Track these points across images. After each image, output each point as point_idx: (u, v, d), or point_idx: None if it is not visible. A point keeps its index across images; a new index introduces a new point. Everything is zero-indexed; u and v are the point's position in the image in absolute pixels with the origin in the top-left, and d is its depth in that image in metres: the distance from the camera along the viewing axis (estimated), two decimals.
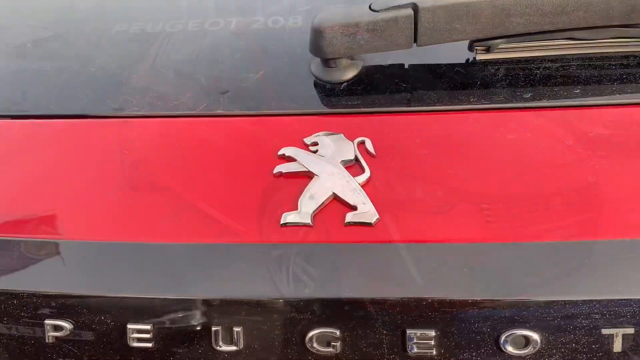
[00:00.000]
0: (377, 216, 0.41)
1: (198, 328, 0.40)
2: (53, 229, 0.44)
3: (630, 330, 0.38)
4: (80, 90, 0.53)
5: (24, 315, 0.42)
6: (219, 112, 0.50)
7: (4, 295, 0.42)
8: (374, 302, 0.39)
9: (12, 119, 0.53)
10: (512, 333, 0.38)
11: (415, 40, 0.47)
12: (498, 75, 0.49)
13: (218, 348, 0.40)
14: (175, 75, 0.53)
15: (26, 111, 0.52)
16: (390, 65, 0.51)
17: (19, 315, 0.42)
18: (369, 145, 0.45)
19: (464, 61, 0.50)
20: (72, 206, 0.45)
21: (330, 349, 0.39)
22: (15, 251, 0.43)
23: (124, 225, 0.43)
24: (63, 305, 0.41)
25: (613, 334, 0.38)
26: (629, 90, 0.48)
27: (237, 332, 0.40)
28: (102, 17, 0.60)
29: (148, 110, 0.50)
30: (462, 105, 0.48)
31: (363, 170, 0.44)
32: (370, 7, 0.47)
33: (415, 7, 0.46)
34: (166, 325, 0.41)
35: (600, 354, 0.38)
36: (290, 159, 0.45)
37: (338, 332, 0.39)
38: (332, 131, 0.46)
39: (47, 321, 0.42)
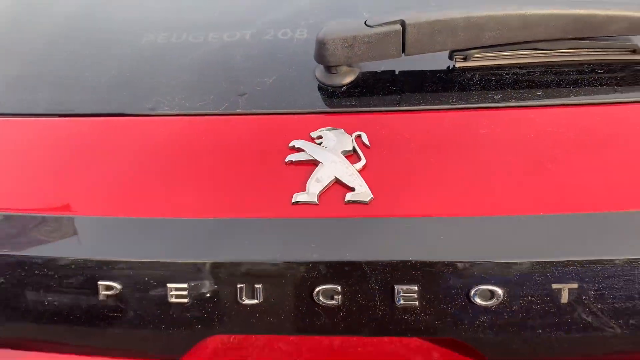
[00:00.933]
0: (371, 196, 0.50)
1: (226, 286, 0.49)
2: (107, 208, 0.53)
3: (574, 285, 0.47)
4: (118, 92, 0.62)
5: (84, 279, 0.51)
6: (238, 111, 0.59)
7: (71, 263, 0.51)
8: (368, 263, 0.48)
9: (60, 117, 0.62)
10: (480, 288, 0.47)
11: (403, 51, 0.56)
12: (473, 80, 0.58)
13: (242, 302, 0.49)
14: (200, 79, 0.62)
15: (72, 110, 0.61)
16: (382, 71, 0.60)
17: (78, 278, 0.51)
18: (364, 138, 0.54)
19: (445, 68, 0.59)
20: (125, 190, 0.54)
21: (333, 302, 0.48)
22: (80, 227, 0.52)
23: (167, 205, 0.52)
24: (114, 270, 0.50)
25: (560, 288, 0.47)
26: (582, 93, 0.57)
27: (257, 288, 0.49)
28: (135, 29, 0.69)
29: (178, 110, 0.59)
30: (443, 105, 0.57)
31: (360, 159, 0.53)
32: (365, 23, 0.56)
33: (403, 23, 0.55)
34: (200, 284, 0.50)
35: (550, 305, 0.47)
36: (299, 150, 0.54)
37: (339, 288, 0.48)
38: (334, 127, 0.55)
39: (100, 282, 0.51)
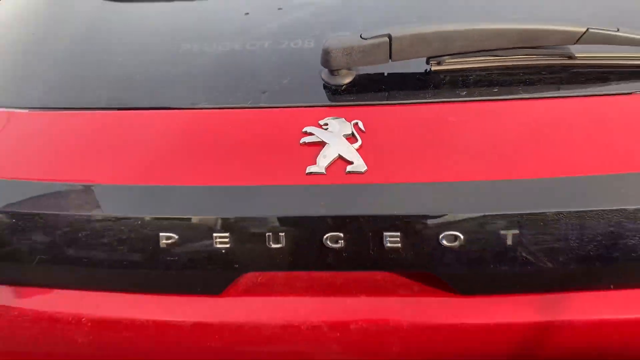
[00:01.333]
0: (366, 167, 0.67)
1: (258, 234, 0.66)
2: (171, 179, 0.69)
3: (516, 232, 0.64)
4: (166, 90, 0.78)
5: (151, 231, 0.67)
6: (261, 105, 0.75)
7: (142, 219, 0.67)
8: (363, 216, 0.65)
9: (118, 110, 0.78)
10: (446, 233, 0.64)
11: (390, 57, 0.72)
12: (445, 80, 0.75)
13: (269, 246, 0.65)
14: (229, 80, 0.79)
15: (131, 104, 0.78)
16: (374, 73, 0.76)
17: (146, 231, 0.67)
18: (360, 125, 0.70)
19: (422, 71, 0.75)
20: (182, 165, 0.70)
21: (338, 245, 0.65)
22: (152, 193, 0.69)
23: (213, 175, 0.69)
24: (174, 224, 0.67)
25: (507, 234, 0.64)
26: (529, 90, 0.73)
27: (281, 236, 0.65)
28: (175, 40, 0.85)
29: (214, 104, 0.76)
30: (421, 99, 0.73)
31: (357, 140, 0.69)
32: (361, 36, 0.72)
33: (389, 36, 0.71)
34: (238, 234, 0.66)
35: (498, 247, 0.64)
36: (310, 134, 0.70)
37: (342, 235, 0.65)
38: (337, 116, 0.71)
39: (161, 234, 0.67)
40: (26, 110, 0.81)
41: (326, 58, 0.73)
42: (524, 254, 0.64)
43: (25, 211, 0.70)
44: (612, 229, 0.64)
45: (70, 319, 0.72)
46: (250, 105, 0.75)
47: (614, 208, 0.63)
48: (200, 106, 0.76)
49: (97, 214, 0.69)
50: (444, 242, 0.64)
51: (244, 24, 0.88)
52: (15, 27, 0.99)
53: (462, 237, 0.64)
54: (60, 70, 0.86)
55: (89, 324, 0.72)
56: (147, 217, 0.67)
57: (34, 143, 0.76)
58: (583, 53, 0.74)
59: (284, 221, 0.66)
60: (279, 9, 0.91)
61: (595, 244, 0.64)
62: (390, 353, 0.67)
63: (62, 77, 0.84)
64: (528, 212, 0.64)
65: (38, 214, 0.70)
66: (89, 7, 0.98)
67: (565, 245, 0.64)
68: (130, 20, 0.93)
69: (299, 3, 0.90)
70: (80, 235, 0.69)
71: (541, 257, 0.65)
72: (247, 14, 0.90)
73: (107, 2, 0.98)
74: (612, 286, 0.66)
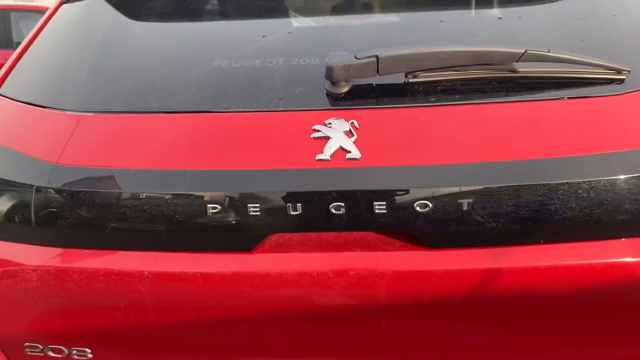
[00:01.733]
0: (360, 155, 0.90)
1: (280, 204, 0.89)
2: (216, 164, 0.92)
3: (479, 187, 0.87)
4: (205, 98, 1.01)
5: (201, 202, 0.90)
6: (280, 109, 0.98)
7: (195, 194, 0.90)
8: (359, 190, 0.88)
9: (164, 114, 1.00)
10: (419, 202, 0.87)
11: (377, 72, 0.95)
12: (419, 89, 0.98)
13: (289, 213, 0.88)
14: (253, 90, 1.02)
15: (179, 109, 1.00)
16: (366, 84, 0.99)
17: (198, 202, 0.90)
18: (356, 124, 0.93)
19: (402, 82, 0.99)
20: (223, 155, 0.93)
21: (340, 212, 0.88)
22: (200, 176, 0.91)
23: (244, 161, 0.92)
24: (220, 198, 0.90)
25: (463, 203, 0.87)
26: (485, 96, 0.97)
27: (298, 205, 0.88)
28: (209, 57, 1.08)
29: (242, 109, 0.98)
30: (401, 104, 0.96)
31: (353, 135, 0.92)
32: (355, 56, 0.96)
33: (377, 57, 0.94)
34: (267, 204, 0.89)
35: (457, 210, 0.87)
36: (318, 131, 0.93)
37: (343, 204, 0.88)
38: (338, 117, 0.94)
39: (209, 205, 0.90)
40: (91, 114, 1.03)
41: (329, 72, 0.96)
42: (475, 218, 0.88)
43: (108, 191, 0.93)
44: (539, 198, 0.87)
45: (137, 273, 0.95)
46: (271, 109, 0.98)
47: (539, 183, 0.87)
48: (233, 110, 0.99)
49: (162, 192, 0.92)
50: (418, 209, 0.88)
51: (263, 44, 1.11)
52: (72, 45, 1.22)
53: (430, 205, 0.87)
54: (116, 81, 1.09)
55: (151, 276, 0.94)
56: (200, 193, 0.91)
57: (111, 139, 0.99)
58: (525, 68, 0.98)
59: (300, 195, 0.89)
60: (289, 32, 1.14)
61: (526, 210, 0.88)
62: (378, 292, 0.90)
63: (120, 87, 1.07)
64: (478, 187, 0.87)
65: (118, 193, 0.93)
66: (131, 28, 1.21)
67: (504, 211, 0.88)
68: (170, 41, 1.16)
69: (304, 29, 1.14)
70: (147, 208, 0.93)
71: (488, 220, 0.89)
72: (264, 36, 1.13)
73: (150, 23, 1.21)
74: (542, 241, 0.90)
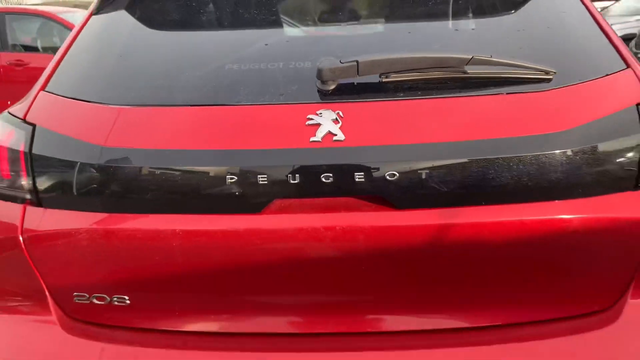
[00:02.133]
0: (344, 137, 1.16)
1: (283, 175, 1.14)
2: (231, 145, 1.18)
3: (435, 161, 1.14)
4: (219, 93, 1.27)
5: (221, 174, 1.16)
6: (281, 102, 1.24)
7: (214, 168, 1.16)
8: (344, 165, 1.14)
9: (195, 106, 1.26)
10: (389, 171, 1.14)
11: (357, 74, 1.22)
12: (390, 87, 1.24)
13: (290, 182, 1.14)
14: (259, 88, 1.28)
15: (195, 102, 1.26)
16: (348, 83, 1.25)
17: (216, 175, 1.16)
18: (341, 113, 1.20)
19: (377, 82, 1.25)
20: (236, 138, 1.19)
21: (328, 181, 1.13)
22: (222, 155, 1.17)
23: (254, 143, 1.18)
24: (237, 170, 1.16)
25: (422, 173, 1.14)
26: (438, 92, 1.24)
27: (297, 175, 1.14)
28: (222, 61, 1.34)
29: (251, 103, 1.25)
30: (375, 98, 1.23)
31: (339, 122, 1.18)
32: (340, 61, 1.22)
33: (357, 62, 1.21)
34: (273, 174, 1.15)
35: (417, 178, 1.14)
36: (311, 119, 1.19)
37: (331, 174, 1.13)
38: (327, 108, 1.20)
39: (227, 175, 1.16)
40: (128, 106, 1.29)
41: (319, 73, 1.22)
42: (432, 185, 1.15)
43: (145, 167, 1.19)
44: (481, 170, 1.15)
45: (169, 232, 1.20)
46: (275, 103, 1.24)
47: (481, 158, 1.14)
48: (243, 103, 1.25)
49: (188, 167, 1.18)
50: (387, 178, 1.14)
51: (266, 51, 1.37)
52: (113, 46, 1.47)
53: (397, 175, 1.14)
54: (146, 80, 1.35)
55: (180, 234, 1.20)
56: (219, 167, 1.17)
57: (146, 126, 1.24)
58: (472, 70, 1.25)
59: (297, 168, 1.15)
60: (287, 41, 1.41)
61: (471, 178, 1.15)
62: (358, 242, 1.17)
63: (149, 84, 1.33)
64: (434, 161, 1.14)
65: (153, 168, 1.19)
66: (156, 35, 1.47)
67: (454, 179, 1.15)
68: (189, 47, 1.42)
69: (300, 38, 1.40)
70: (176, 180, 1.18)
71: (441, 186, 1.15)
72: (267, 44, 1.40)
73: (170, 32, 1.47)
74: (483, 203, 1.17)
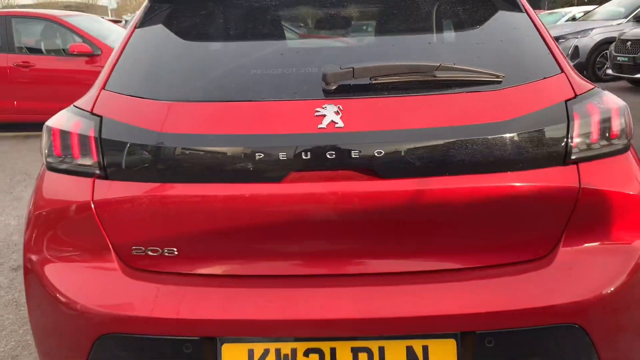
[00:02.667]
0: (343, 125, 1.55)
1: (298, 152, 1.52)
2: (249, 129, 1.57)
3: (412, 143, 1.53)
4: (246, 91, 1.66)
5: (250, 152, 1.54)
6: (296, 99, 1.62)
7: (233, 149, 1.55)
8: (344, 145, 1.52)
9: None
10: (378, 150, 1.52)
11: (353, 77, 1.60)
12: (378, 87, 1.63)
13: (303, 157, 1.52)
14: (276, 89, 1.66)
15: (230, 98, 1.64)
16: (346, 84, 1.63)
17: (248, 152, 1.55)
18: (341, 107, 1.57)
19: (368, 83, 1.63)
20: (253, 125, 1.58)
21: (332, 157, 1.52)
22: (251, 138, 1.56)
23: (275, 128, 1.56)
24: (259, 147, 1.54)
25: (401, 151, 1.53)
26: (417, 91, 1.63)
27: (309, 152, 1.52)
28: (247, 67, 1.72)
29: (266, 99, 1.63)
30: (367, 96, 1.62)
31: (339, 114, 1.57)
32: (340, 67, 1.61)
33: (353, 68, 1.59)
34: (289, 153, 1.53)
35: (398, 155, 1.53)
36: (318, 112, 1.57)
37: (334, 152, 1.52)
38: (330, 104, 1.58)
39: (256, 153, 1.54)
40: (176, 102, 1.67)
41: (324, 77, 1.60)
42: (409, 160, 1.54)
43: (194, 147, 1.57)
44: (448, 149, 1.53)
45: (211, 197, 1.58)
46: (290, 99, 1.63)
47: (448, 140, 1.53)
48: (266, 99, 1.63)
49: (227, 148, 1.56)
50: (375, 154, 1.53)
51: (282, 59, 1.76)
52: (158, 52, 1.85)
53: (383, 152, 1.53)
54: (188, 81, 1.73)
55: (220, 198, 1.58)
56: (251, 147, 1.55)
57: (192, 117, 1.62)
58: (441, 74, 1.64)
59: (309, 148, 1.54)
60: (297, 52, 1.79)
61: (439, 155, 1.54)
62: (354, 204, 1.56)
63: (191, 84, 1.71)
64: (411, 142, 1.53)
65: (201, 148, 1.57)
66: (192, 44, 1.86)
67: (427, 156, 1.54)
68: (220, 54, 1.81)
69: (308, 49, 1.79)
70: (217, 157, 1.57)
71: (417, 161, 1.54)
72: (282, 54, 1.79)
73: (202, 42, 1.85)
74: (447, 174, 1.56)
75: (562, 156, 1.61)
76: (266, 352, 1.57)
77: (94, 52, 8.22)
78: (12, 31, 8.31)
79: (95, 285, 1.68)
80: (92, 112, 1.72)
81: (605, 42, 13.09)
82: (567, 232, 1.64)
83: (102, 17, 12.52)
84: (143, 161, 1.61)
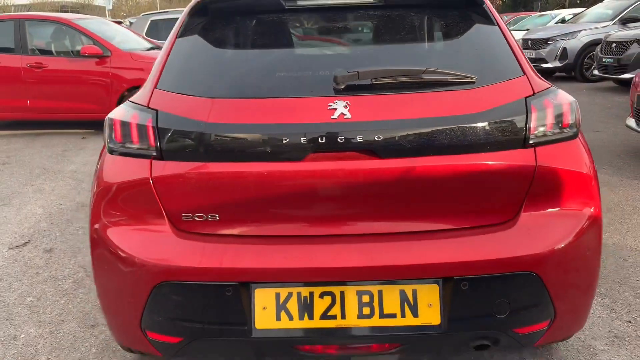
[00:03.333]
0: (351, 116, 1.98)
1: (314, 137, 1.96)
2: (271, 119, 2.01)
3: (403, 130, 1.97)
4: (274, 89, 2.09)
5: (277, 138, 1.98)
6: (313, 95, 2.06)
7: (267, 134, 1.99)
8: (351, 131, 1.97)
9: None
10: (377, 136, 1.96)
11: (358, 79, 2.04)
12: (377, 86, 2.07)
13: (319, 142, 1.96)
14: (299, 87, 2.10)
15: (262, 95, 2.08)
16: (352, 84, 2.05)
17: (274, 139, 1.98)
18: (349, 102, 2.00)
19: (370, 83, 2.06)
20: (274, 118, 2.02)
21: (341, 141, 1.95)
22: (276, 127, 2.00)
23: (297, 119, 2.00)
24: (285, 133, 1.98)
25: (396, 137, 1.97)
26: (408, 90, 2.06)
27: (324, 137, 1.96)
28: (272, 70, 2.16)
29: (295, 96, 2.06)
30: (369, 93, 2.06)
31: (347, 107, 2.00)
32: (347, 71, 2.04)
33: (357, 72, 2.02)
34: (308, 138, 1.97)
35: (393, 139, 1.97)
36: (330, 106, 2.01)
37: (343, 137, 1.95)
38: (340, 99, 2.01)
39: (283, 138, 1.98)
40: (217, 98, 2.10)
41: (335, 79, 2.04)
42: (402, 144, 1.98)
43: (235, 134, 2.00)
44: (431, 135, 1.97)
45: (246, 173, 2.02)
46: (309, 96, 2.06)
47: (434, 129, 1.98)
48: (290, 96, 2.07)
49: (259, 133, 2.00)
50: (375, 139, 1.97)
51: (301, 63, 2.20)
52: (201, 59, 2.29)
53: (381, 137, 1.97)
54: (227, 81, 2.17)
55: (254, 173, 2.02)
56: (278, 133, 1.98)
57: (231, 110, 2.06)
58: (427, 77, 2.07)
59: (324, 134, 1.97)
60: (313, 57, 2.23)
61: (425, 139, 1.98)
62: (358, 178, 1.99)
63: (230, 84, 2.15)
64: (403, 130, 1.97)
65: (240, 135, 2.00)
66: (227, 52, 2.29)
67: (415, 140, 1.98)
68: (252, 60, 2.25)
69: (322, 55, 2.23)
70: (252, 140, 2.00)
71: (408, 144, 1.98)
72: (301, 59, 2.23)
73: (237, 50, 2.29)
74: (431, 154, 2.00)
75: (522, 140, 2.05)
76: (289, 295, 2.01)
77: (104, 53, 8.64)
78: (25, 33, 8.72)
79: (152, 245, 2.11)
80: (148, 106, 2.15)
81: (593, 44, 13.60)
82: (527, 200, 2.08)
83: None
84: (193, 145, 2.05)
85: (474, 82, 2.08)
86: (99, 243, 2.18)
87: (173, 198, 2.09)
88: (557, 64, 14.16)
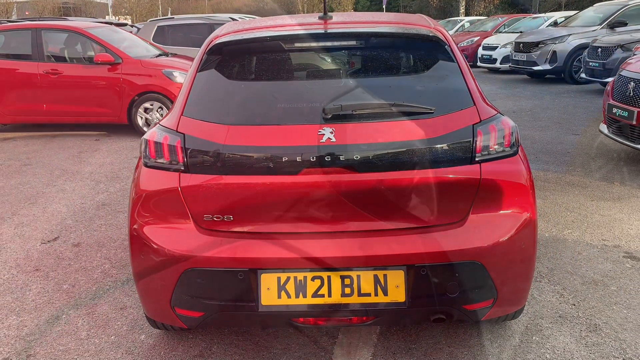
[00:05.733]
0: (335, 140, 2.55)
1: (308, 157, 2.54)
2: (274, 142, 2.59)
3: (377, 150, 2.55)
4: (273, 117, 2.67)
5: (279, 157, 2.56)
6: (305, 123, 2.63)
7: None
8: (335, 152, 2.54)
9: (246, 125, 2.65)
10: (356, 156, 2.54)
11: (341, 110, 2.61)
12: (356, 116, 2.64)
13: (310, 160, 2.54)
14: (294, 116, 2.67)
15: (268, 122, 2.65)
16: (337, 114, 2.63)
17: (277, 158, 2.56)
18: (334, 129, 2.58)
19: (351, 113, 2.65)
20: (275, 141, 2.60)
21: (328, 160, 2.53)
22: (278, 150, 2.58)
23: (292, 141, 2.57)
24: (284, 153, 2.56)
25: (373, 151, 2.54)
26: (383, 118, 2.64)
27: (316, 157, 2.54)
28: (273, 101, 2.74)
29: (291, 123, 2.64)
30: (351, 122, 2.63)
31: (333, 133, 2.58)
32: (333, 104, 2.61)
33: (341, 105, 2.61)
34: (303, 157, 2.54)
35: (372, 159, 2.55)
36: (320, 132, 2.58)
37: (329, 157, 2.54)
38: (327, 127, 2.59)
39: (283, 157, 2.56)
40: (233, 125, 2.68)
41: (324, 110, 2.61)
42: (374, 162, 2.55)
43: (246, 153, 2.58)
44: (399, 155, 2.55)
45: (254, 183, 2.60)
46: (302, 124, 2.64)
47: (401, 149, 2.56)
48: (288, 124, 2.65)
49: (264, 154, 2.58)
50: (354, 158, 2.55)
51: (297, 97, 2.78)
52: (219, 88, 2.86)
53: (359, 156, 2.55)
54: (240, 111, 2.75)
55: (260, 184, 2.60)
56: (279, 153, 2.56)
57: (243, 135, 2.64)
58: (395, 108, 2.65)
59: (315, 153, 2.55)
60: (306, 92, 2.81)
61: (393, 159, 2.56)
62: (341, 187, 2.57)
63: (243, 114, 2.73)
64: (376, 150, 2.55)
65: (250, 153, 2.58)
66: (240, 86, 2.88)
67: (384, 159, 2.56)
68: (257, 93, 2.83)
69: (313, 89, 2.81)
70: (258, 158, 2.58)
71: (380, 162, 2.56)
72: (297, 93, 2.81)
73: (250, 82, 2.87)
74: (396, 170, 2.58)
75: (469, 159, 2.63)
76: (288, 279, 2.60)
77: (116, 60, 9.22)
78: (41, 41, 9.29)
79: (180, 239, 2.70)
80: (177, 131, 2.73)
81: (581, 48, 14.16)
82: (474, 205, 2.66)
83: (104, 17, 13.46)
84: (212, 161, 2.63)
85: (433, 113, 2.66)
86: (137, 239, 2.77)
87: (196, 202, 2.67)
88: (547, 66, 14.72)
